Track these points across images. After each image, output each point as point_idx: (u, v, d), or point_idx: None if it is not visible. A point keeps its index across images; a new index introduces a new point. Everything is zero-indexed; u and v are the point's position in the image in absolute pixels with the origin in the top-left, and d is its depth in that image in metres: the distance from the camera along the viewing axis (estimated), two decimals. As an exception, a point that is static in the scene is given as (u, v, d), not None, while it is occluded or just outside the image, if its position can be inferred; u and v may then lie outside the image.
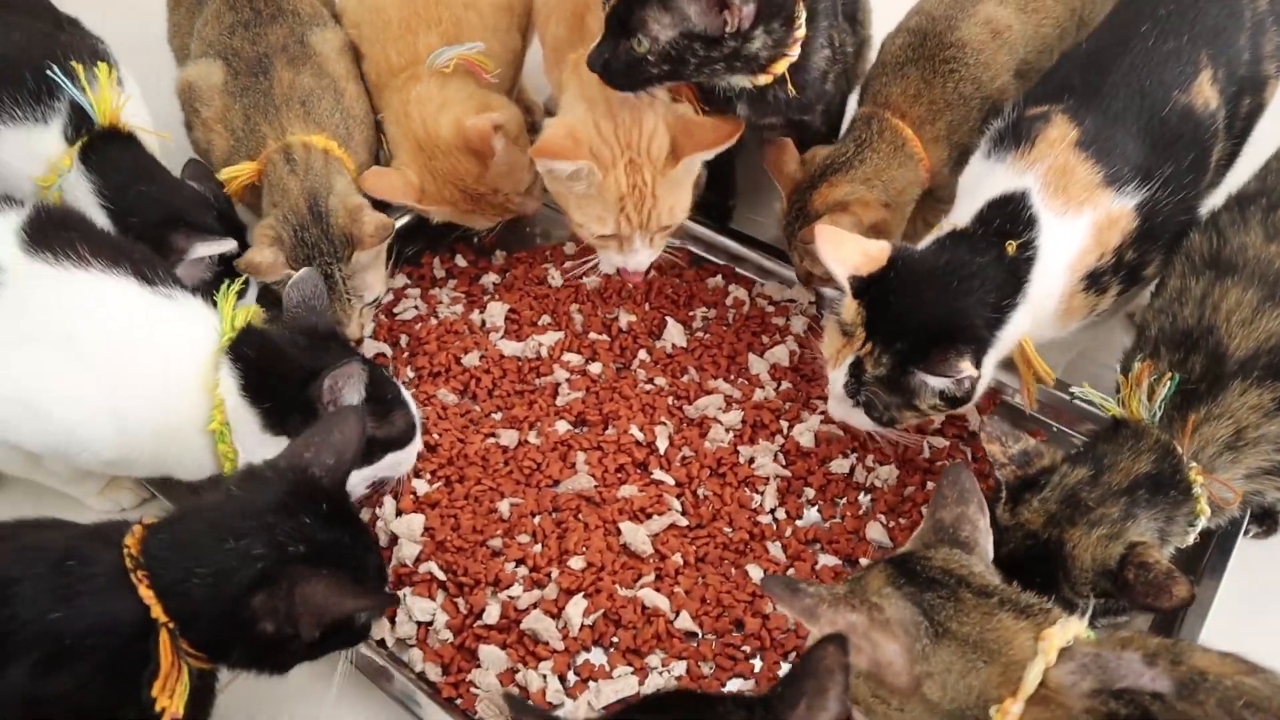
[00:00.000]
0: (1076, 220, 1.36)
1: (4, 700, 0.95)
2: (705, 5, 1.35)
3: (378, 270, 1.69)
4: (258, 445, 1.30)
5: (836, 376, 1.41)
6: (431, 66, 1.73)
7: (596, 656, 1.36)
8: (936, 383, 1.32)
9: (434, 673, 1.34)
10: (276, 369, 1.31)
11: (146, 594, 0.98)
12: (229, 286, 1.40)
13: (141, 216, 1.54)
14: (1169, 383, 1.25)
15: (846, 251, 1.34)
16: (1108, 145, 1.37)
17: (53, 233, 1.31)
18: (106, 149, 1.56)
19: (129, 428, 1.29)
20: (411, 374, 1.70)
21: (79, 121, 1.56)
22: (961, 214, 1.42)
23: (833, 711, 0.86)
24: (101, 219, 1.52)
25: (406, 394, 1.45)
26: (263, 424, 1.30)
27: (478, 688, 1.32)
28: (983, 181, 1.43)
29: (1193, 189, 1.43)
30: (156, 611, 0.98)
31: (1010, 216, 1.37)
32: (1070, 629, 0.97)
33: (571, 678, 1.34)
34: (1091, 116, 1.38)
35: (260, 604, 0.99)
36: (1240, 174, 1.50)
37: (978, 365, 1.30)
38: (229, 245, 1.56)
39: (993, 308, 1.33)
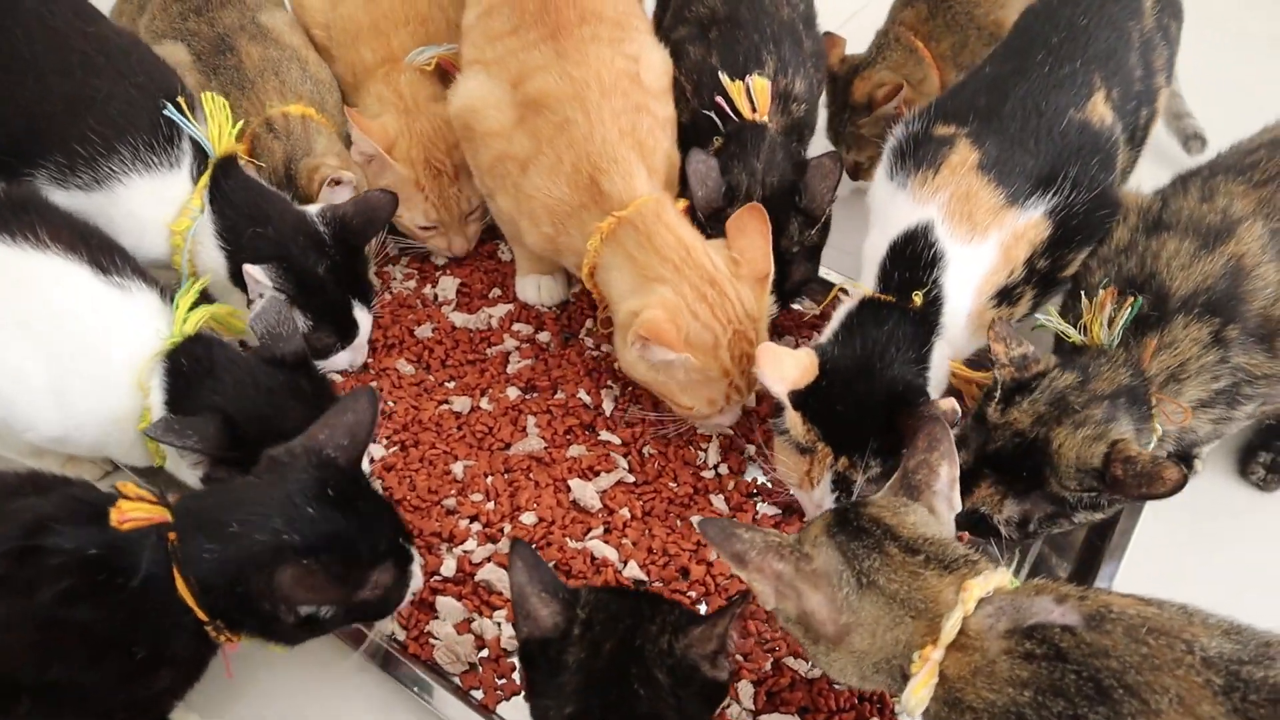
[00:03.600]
0: (982, 245, 1.41)
1: (26, 618, 1.02)
2: None
3: None
4: (176, 455, 1.32)
5: (820, 495, 1.39)
6: (412, 64, 1.81)
7: (549, 605, 1.42)
8: None
9: (401, 633, 1.39)
10: (198, 393, 1.30)
11: (173, 537, 1.07)
12: (191, 285, 1.38)
13: (252, 255, 1.48)
14: (1130, 308, 1.32)
15: (785, 368, 1.34)
16: (1008, 166, 1.42)
17: (12, 214, 1.33)
18: (224, 183, 1.51)
19: (70, 410, 1.31)
20: (364, 346, 1.75)
21: (200, 156, 1.51)
22: (873, 247, 1.47)
23: (713, 643, 1.04)
24: (220, 259, 1.50)
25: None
26: None
27: (436, 638, 1.38)
28: (888, 209, 1.48)
29: (1104, 184, 1.47)
30: (177, 571, 1.06)
31: (913, 261, 1.41)
32: (992, 580, 1.01)
33: (525, 626, 1.40)
34: (992, 139, 1.44)
35: (255, 586, 1.06)
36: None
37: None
38: (265, 280, 1.46)
39: (915, 360, 1.38)
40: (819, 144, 1.84)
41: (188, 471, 1.32)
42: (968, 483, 1.32)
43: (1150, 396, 1.30)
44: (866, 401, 1.34)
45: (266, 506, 1.08)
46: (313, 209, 1.58)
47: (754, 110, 1.62)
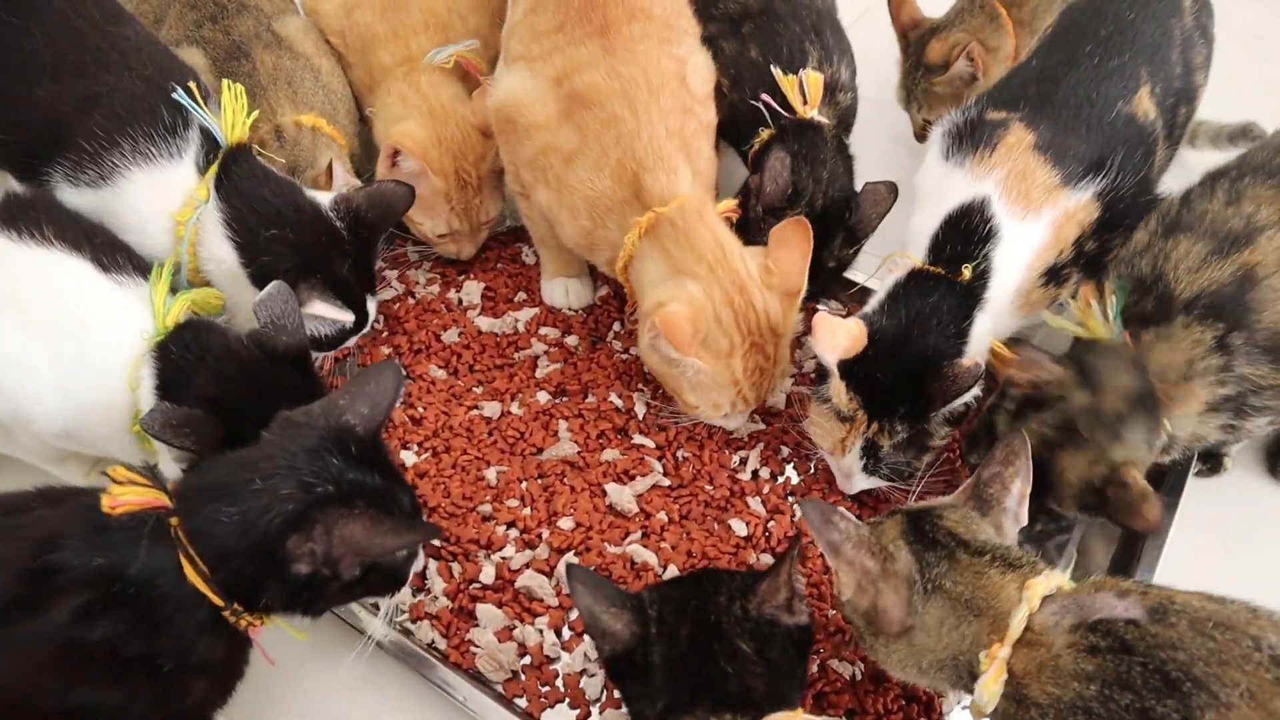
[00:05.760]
0: (1036, 222, 1.43)
1: (44, 641, 0.96)
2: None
3: None
4: (167, 453, 1.28)
5: (850, 462, 1.42)
6: (431, 63, 1.78)
7: (589, 611, 1.41)
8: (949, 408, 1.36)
9: (441, 641, 1.38)
10: (191, 385, 1.27)
11: (182, 536, 1.00)
12: (159, 274, 1.35)
13: (275, 259, 1.45)
14: (1115, 294, 1.34)
15: (838, 338, 1.35)
16: (1062, 148, 1.44)
17: (19, 212, 1.33)
18: (235, 175, 1.47)
19: (72, 404, 1.30)
20: (388, 351, 1.74)
21: (208, 146, 1.48)
22: (922, 224, 1.49)
23: (783, 592, 1.05)
24: (228, 250, 1.45)
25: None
26: None
27: (477, 646, 1.36)
28: (942, 187, 1.49)
29: (1146, 172, 1.50)
30: (188, 552, 1.00)
31: (967, 235, 1.43)
32: (1054, 579, 1.03)
33: (566, 632, 1.39)
34: (1045, 124, 1.46)
35: (294, 546, 1.00)
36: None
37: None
38: (344, 318, 1.48)
39: (955, 334, 1.40)
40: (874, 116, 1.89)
41: (173, 466, 1.29)
42: None
43: (1154, 391, 1.29)
44: (902, 369, 1.35)
45: (293, 459, 1.02)
46: (324, 199, 1.54)
47: (805, 103, 1.63)
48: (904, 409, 1.36)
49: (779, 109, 1.64)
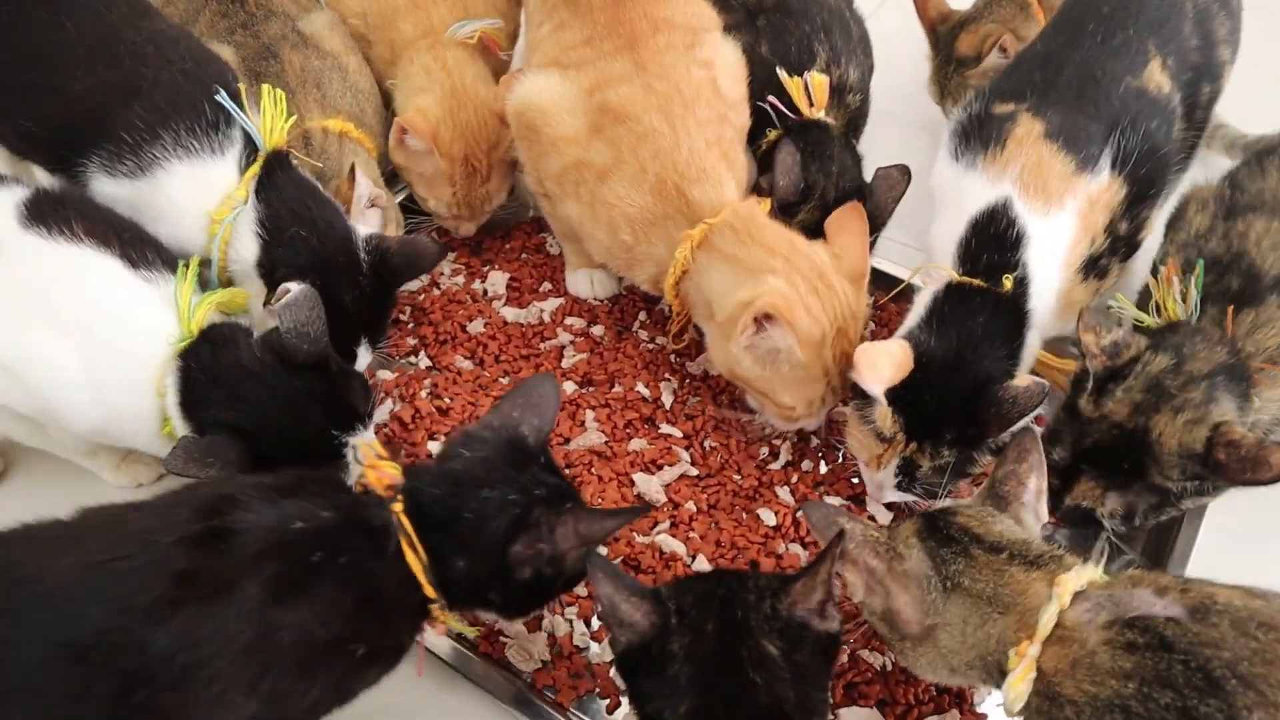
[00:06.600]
0: (1060, 215, 1.40)
1: (229, 625, 0.92)
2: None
3: None
4: None
5: (884, 476, 1.39)
6: (454, 37, 1.79)
7: (619, 601, 1.41)
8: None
9: (472, 632, 1.36)
10: (211, 403, 1.28)
11: (397, 508, 1.04)
12: (186, 275, 1.35)
13: (288, 253, 1.46)
14: (1197, 275, 1.30)
15: (882, 368, 1.30)
16: (1074, 132, 1.41)
17: (49, 209, 1.33)
18: (277, 175, 1.48)
19: (103, 404, 1.31)
20: (413, 342, 1.74)
21: (250, 148, 1.49)
22: (945, 230, 1.45)
23: (819, 593, 1.01)
24: (254, 246, 1.46)
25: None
26: None
27: (507, 637, 1.36)
28: (960, 191, 1.46)
29: (1165, 142, 1.46)
30: (410, 539, 1.02)
31: (998, 240, 1.39)
32: (1084, 574, 1.00)
33: (596, 622, 1.38)
34: (1053, 109, 1.43)
35: (523, 548, 1.06)
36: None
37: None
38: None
39: (1008, 355, 1.36)
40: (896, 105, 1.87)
41: None
42: (1065, 479, 1.29)
43: (1250, 372, 1.26)
44: (953, 394, 1.31)
45: (505, 468, 1.09)
46: (361, 230, 1.54)
47: (811, 105, 1.61)
48: (952, 434, 1.31)
49: (785, 110, 1.63)
